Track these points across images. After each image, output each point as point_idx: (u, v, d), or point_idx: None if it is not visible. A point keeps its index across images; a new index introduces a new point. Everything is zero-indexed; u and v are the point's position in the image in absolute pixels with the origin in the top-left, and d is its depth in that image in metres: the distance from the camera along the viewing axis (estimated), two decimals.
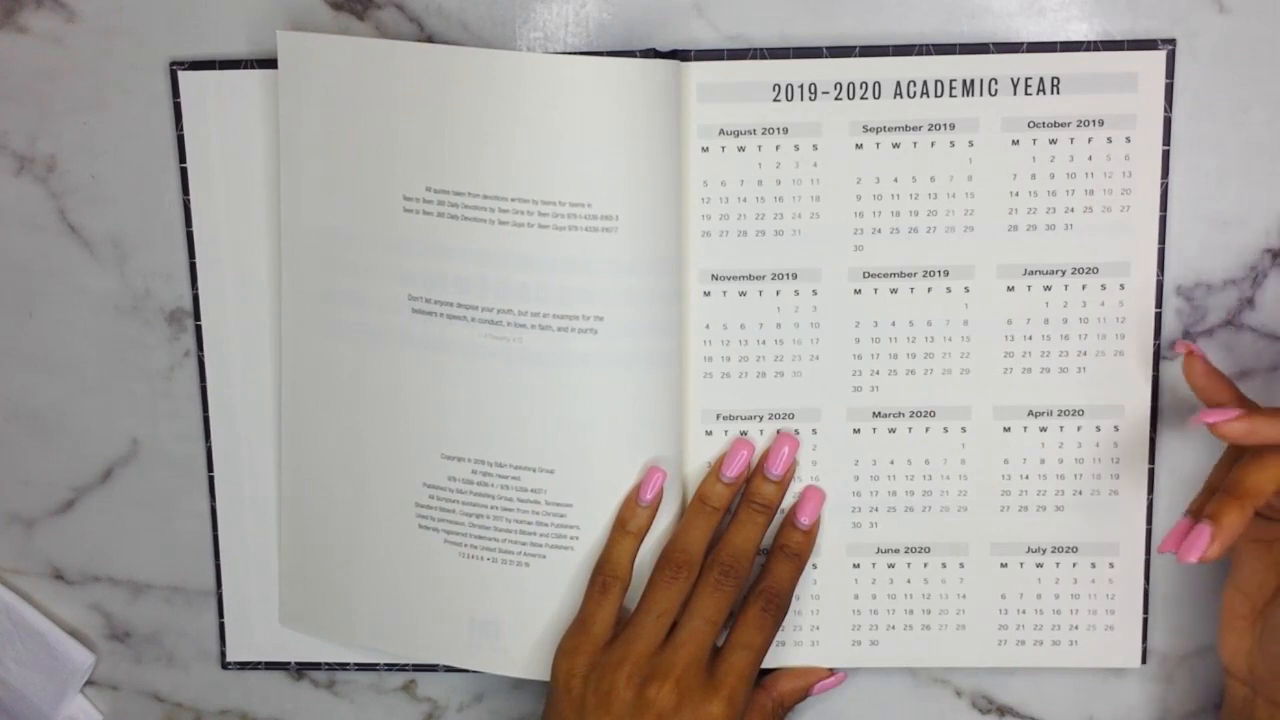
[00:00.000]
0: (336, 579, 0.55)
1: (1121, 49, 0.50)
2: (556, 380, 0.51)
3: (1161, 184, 0.51)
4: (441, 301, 0.51)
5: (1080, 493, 0.53)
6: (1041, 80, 0.50)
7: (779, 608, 0.51)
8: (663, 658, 0.49)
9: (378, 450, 0.53)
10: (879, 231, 0.51)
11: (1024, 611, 0.54)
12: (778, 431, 0.53)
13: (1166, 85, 0.50)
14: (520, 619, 0.53)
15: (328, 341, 0.53)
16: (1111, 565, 0.53)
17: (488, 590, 0.53)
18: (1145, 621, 0.54)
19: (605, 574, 0.51)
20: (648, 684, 0.49)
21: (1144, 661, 0.54)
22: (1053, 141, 0.50)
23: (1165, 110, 0.50)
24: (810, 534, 0.53)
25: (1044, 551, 0.53)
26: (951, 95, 0.50)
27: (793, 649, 0.54)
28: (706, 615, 0.50)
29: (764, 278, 0.52)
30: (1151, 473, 0.52)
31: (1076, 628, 0.54)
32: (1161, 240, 0.51)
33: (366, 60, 0.50)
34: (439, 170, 0.49)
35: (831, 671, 0.54)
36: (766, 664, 0.54)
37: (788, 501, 0.53)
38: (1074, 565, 0.53)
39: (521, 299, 0.50)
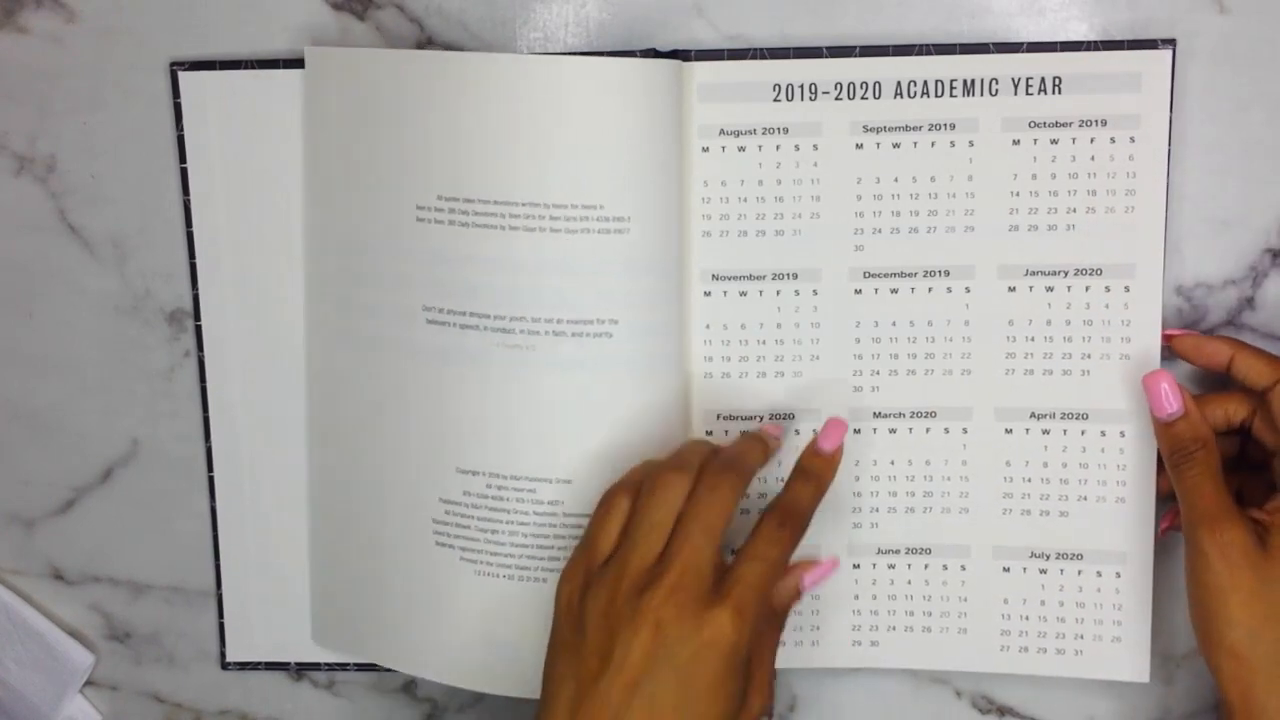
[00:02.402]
0: (363, 596, 0.54)
1: (1122, 48, 0.50)
2: (571, 386, 0.50)
3: (1165, 185, 0.50)
4: (455, 311, 0.50)
5: (1085, 499, 0.52)
6: (1043, 80, 0.50)
7: (796, 525, 0.48)
8: (660, 567, 0.45)
9: (395, 465, 0.53)
10: (879, 231, 0.51)
11: (1027, 618, 0.53)
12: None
13: (1171, 85, 0.50)
14: (539, 639, 0.50)
15: (348, 354, 0.53)
16: (1118, 575, 0.52)
17: (504, 609, 0.52)
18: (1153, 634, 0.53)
19: (613, 496, 0.48)
20: (644, 593, 0.45)
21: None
22: (1054, 142, 0.50)
23: (1170, 110, 0.50)
24: (832, 460, 0.50)
25: (1047, 557, 0.53)
26: (952, 95, 0.50)
27: (793, 649, 0.54)
28: (703, 520, 0.46)
29: (764, 278, 0.52)
30: (1160, 483, 0.52)
31: (1082, 637, 0.53)
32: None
33: (380, 70, 0.50)
34: (448, 178, 0.49)
35: (819, 561, 0.50)
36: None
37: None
38: (1079, 573, 0.53)
39: (535, 305, 0.50)
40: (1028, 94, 0.50)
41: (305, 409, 0.54)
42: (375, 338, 0.52)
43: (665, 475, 0.47)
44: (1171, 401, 0.49)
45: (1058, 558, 0.53)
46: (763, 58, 0.50)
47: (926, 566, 0.53)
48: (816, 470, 0.49)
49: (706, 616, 0.44)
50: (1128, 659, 0.53)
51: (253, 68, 0.52)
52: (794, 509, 0.48)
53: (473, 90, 0.48)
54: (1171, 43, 0.49)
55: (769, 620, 0.48)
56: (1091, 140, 0.50)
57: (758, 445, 0.50)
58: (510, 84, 0.48)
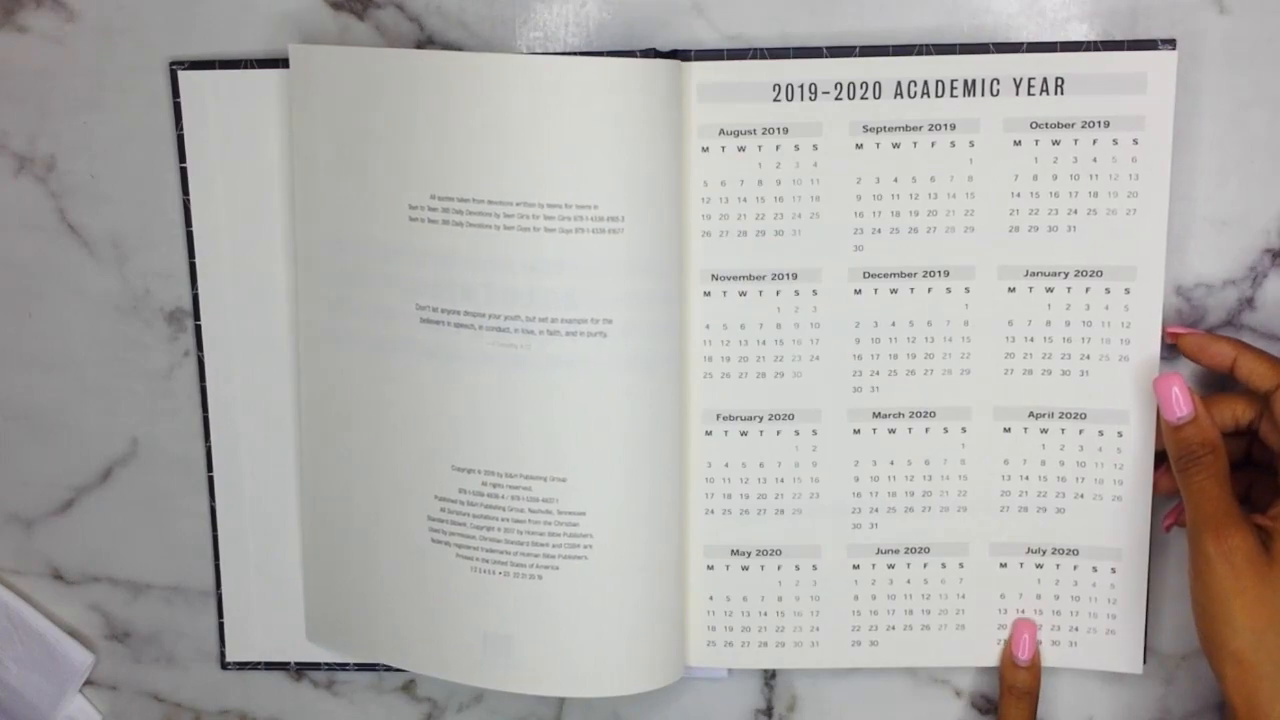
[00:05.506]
0: (358, 594, 0.54)
1: (1122, 49, 0.50)
2: (566, 385, 0.50)
3: (1168, 188, 0.50)
4: (449, 310, 0.50)
5: (1082, 496, 0.52)
6: (1045, 81, 0.50)
7: None
8: None
9: (391, 463, 0.53)
10: (879, 231, 0.51)
11: (1024, 612, 0.53)
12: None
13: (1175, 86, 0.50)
14: (534, 633, 0.52)
15: (341, 352, 0.52)
16: (1114, 570, 0.53)
17: (500, 605, 0.52)
18: (1146, 627, 0.53)
19: None
20: None
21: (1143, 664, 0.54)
22: (1055, 143, 0.50)
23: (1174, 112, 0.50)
24: (1034, 668, 0.53)
25: (1044, 553, 0.53)
26: (952, 95, 0.50)
27: (792, 649, 0.54)
28: None
29: (764, 278, 0.52)
30: (1157, 481, 0.52)
31: (1077, 629, 0.53)
32: None
33: (372, 68, 0.49)
34: (442, 177, 0.49)
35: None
36: (771, 666, 0.54)
37: None
38: (1075, 568, 0.53)
39: (529, 304, 0.50)
40: (1029, 94, 0.50)
41: (297, 408, 0.54)
42: (369, 337, 0.52)
43: None
44: (1181, 405, 0.49)
45: (1054, 553, 0.53)
46: (763, 58, 0.50)
47: (925, 565, 0.53)
48: (1022, 685, 0.52)
49: None
50: (1121, 651, 0.53)
51: (252, 67, 0.52)
52: None
53: (469, 90, 0.48)
54: (1171, 43, 0.49)
55: None
56: (1094, 141, 0.50)
57: None
58: (507, 83, 0.48)
